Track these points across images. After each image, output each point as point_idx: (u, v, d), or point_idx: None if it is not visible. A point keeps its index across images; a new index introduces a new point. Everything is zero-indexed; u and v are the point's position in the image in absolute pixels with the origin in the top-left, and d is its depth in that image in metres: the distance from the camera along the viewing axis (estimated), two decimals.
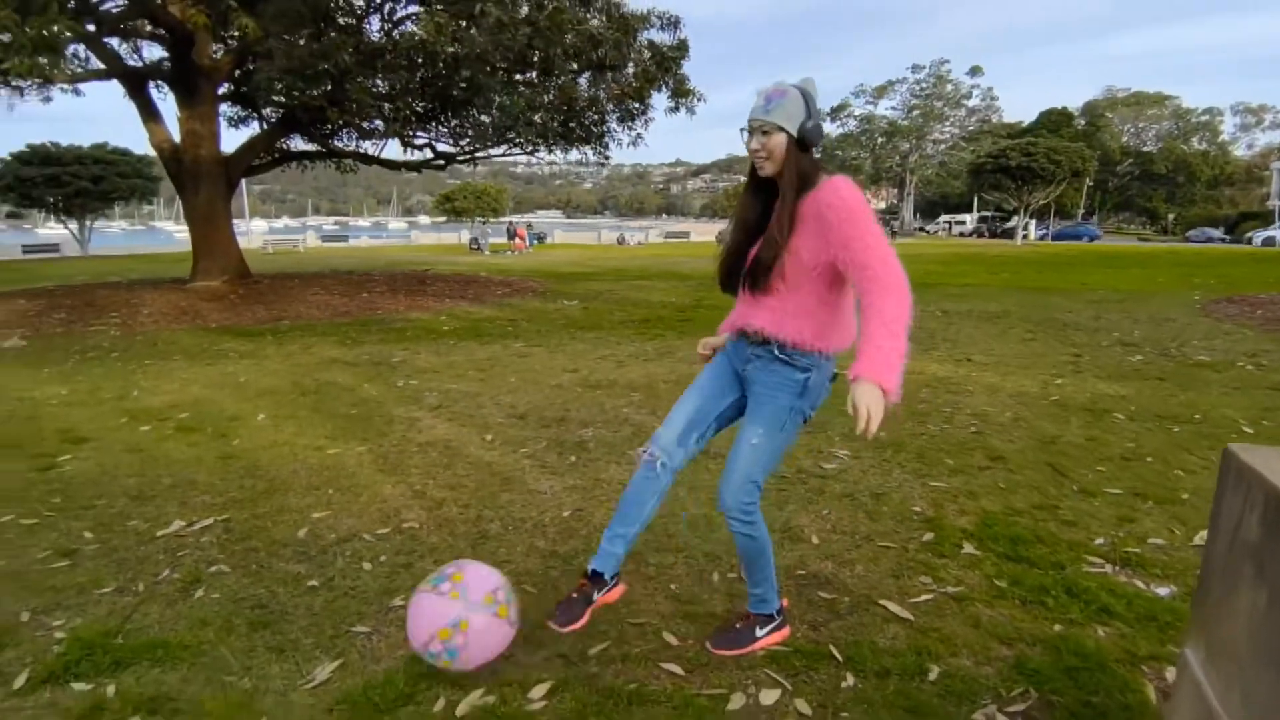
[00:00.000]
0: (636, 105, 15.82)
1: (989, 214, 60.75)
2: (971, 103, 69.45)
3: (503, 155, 17.45)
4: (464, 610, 2.22)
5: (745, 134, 2.22)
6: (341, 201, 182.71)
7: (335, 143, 16.86)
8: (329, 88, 12.78)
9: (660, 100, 15.76)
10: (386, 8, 14.32)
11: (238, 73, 15.02)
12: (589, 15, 14.43)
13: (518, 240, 36.59)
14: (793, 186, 2.18)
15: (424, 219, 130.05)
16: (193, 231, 14.53)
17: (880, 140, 71.30)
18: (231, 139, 15.85)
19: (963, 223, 64.43)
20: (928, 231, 72.60)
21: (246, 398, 6.17)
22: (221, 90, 14.87)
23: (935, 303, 12.14)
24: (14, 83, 14.98)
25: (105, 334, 9.84)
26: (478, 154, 17.02)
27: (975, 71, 68.12)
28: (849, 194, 2.11)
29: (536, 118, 14.71)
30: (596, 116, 16.03)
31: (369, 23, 14.35)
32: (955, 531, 3.43)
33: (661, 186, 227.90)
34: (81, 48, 13.91)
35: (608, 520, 3.51)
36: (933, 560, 3.16)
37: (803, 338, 2.23)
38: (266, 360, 7.83)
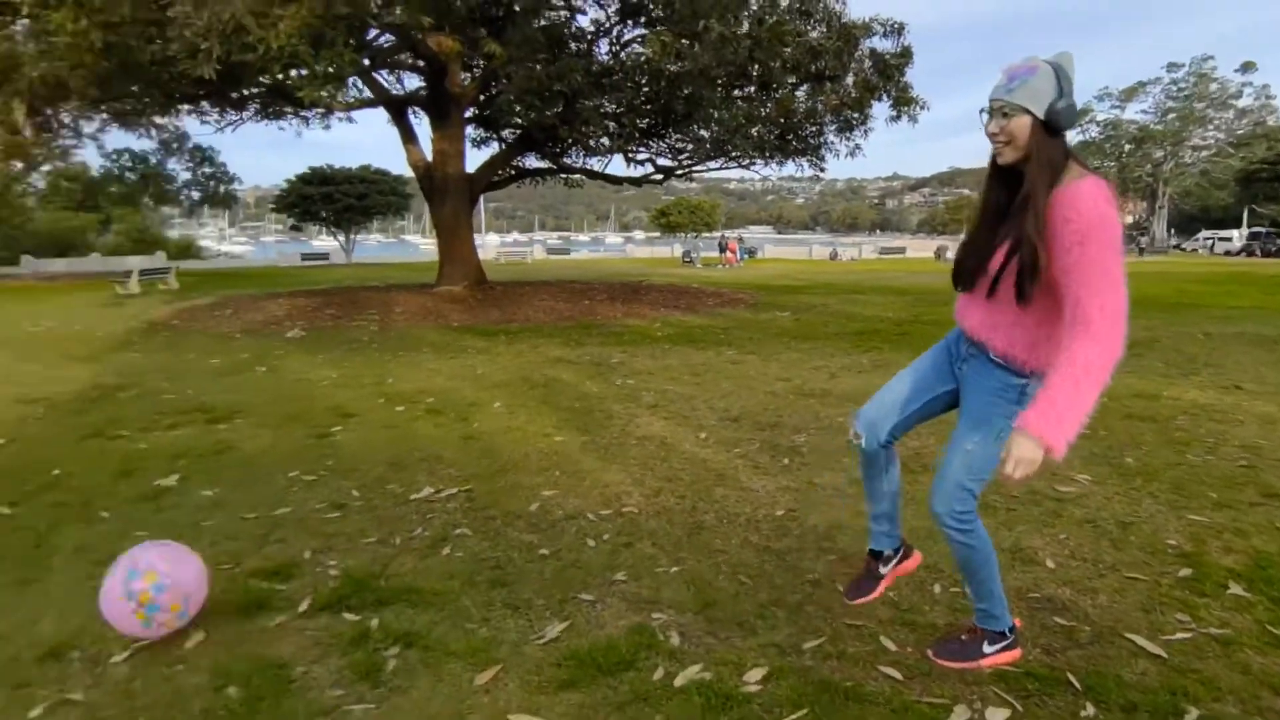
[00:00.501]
0: (855, 115, 15.46)
1: (1262, 229, 52.23)
2: (1242, 103, 60.14)
3: (719, 169, 17.74)
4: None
5: (984, 115, 2.02)
6: (564, 217, 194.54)
7: (565, 160, 18.00)
8: (560, 108, 13.70)
9: (881, 110, 15.33)
10: (615, 31, 15.13)
11: (482, 98, 16.53)
12: (809, 26, 14.35)
13: (729, 254, 36.90)
14: (1043, 180, 1.93)
15: (639, 234, 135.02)
16: (439, 241, 16.14)
17: (1128, 148, 64.02)
18: (474, 159, 17.47)
19: (1228, 239, 56.08)
20: (1183, 249, 64.16)
21: (484, 388, 6.75)
22: (467, 114, 16.42)
23: (1196, 324, 10.71)
24: (303, 113, 17.63)
25: (365, 329, 11.19)
26: (695, 168, 17.43)
27: (1247, 68, 58.89)
28: (1090, 209, 1.84)
29: (754, 131, 14.83)
30: (814, 128, 15.87)
31: (598, 46, 15.25)
32: (1219, 570, 3.03)
33: (876, 201, 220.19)
34: (357, 79, 15.97)
35: (820, 522, 3.50)
36: (1191, 598, 2.81)
37: (1013, 350, 2.05)
38: (500, 357, 8.52)
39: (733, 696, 2.21)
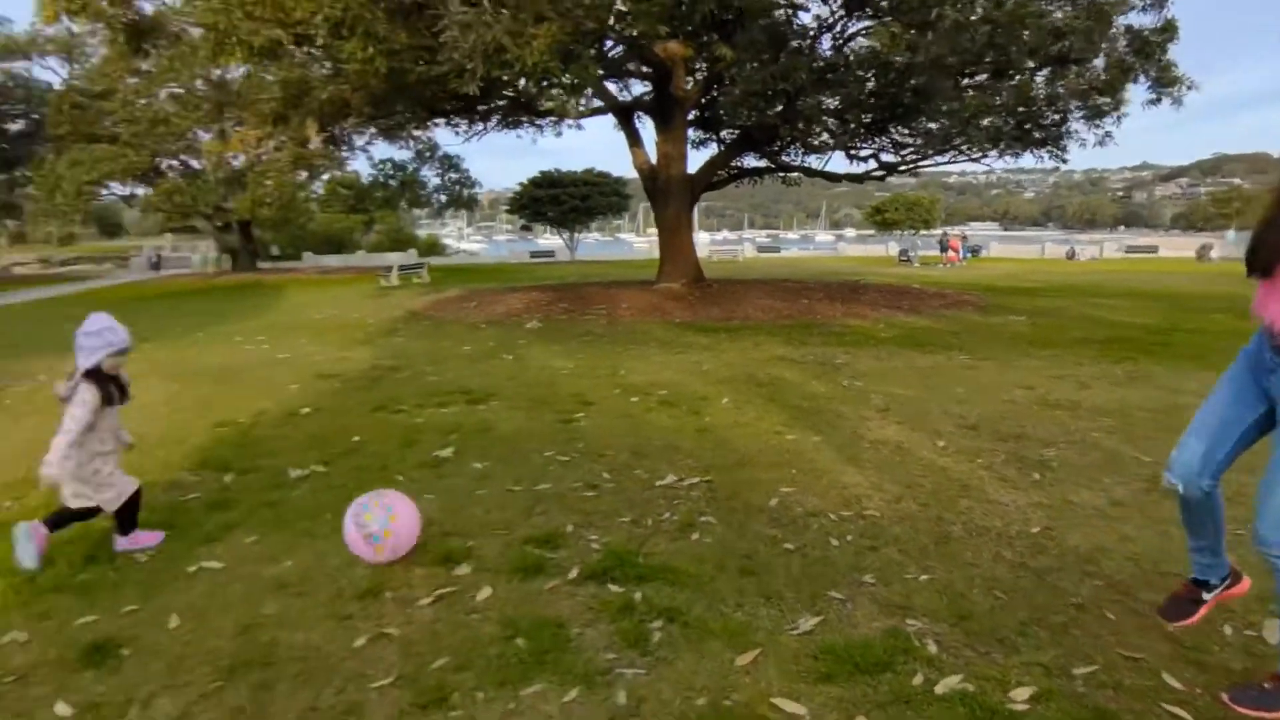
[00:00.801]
0: (1106, 101, 14.00)
1: None
2: None
3: (948, 163, 16.84)
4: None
5: None
6: (774, 216, 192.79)
7: (783, 158, 17.92)
8: (781, 107, 13.66)
9: (1138, 92, 13.77)
10: (839, 25, 14.82)
11: (704, 100, 16.88)
12: (1052, 7, 13.19)
13: (951, 253, 34.84)
14: None
15: (850, 231, 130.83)
16: (661, 239, 16.70)
17: None
18: (693, 160, 17.82)
19: None
20: None
21: (710, 383, 6.97)
22: (689, 116, 16.83)
23: None
24: (539, 121, 19.00)
25: (595, 323, 11.88)
26: (921, 163, 16.67)
27: None
28: None
29: (986, 121, 13.91)
30: (1057, 116, 14.59)
31: (820, 41, 15.01)
32: None
33: (1121, 194, 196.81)
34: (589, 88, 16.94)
35: (1081, 544, 3.31)
36: None
37: None
38: (724, 353, 8.73)
39: (999, 712, 2.18)
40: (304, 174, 30.83)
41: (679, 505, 3.80)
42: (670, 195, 15.85)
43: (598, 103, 17.18)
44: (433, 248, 50.68)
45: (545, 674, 2.41)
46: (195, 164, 29.01)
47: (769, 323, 11.52)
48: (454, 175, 32.68)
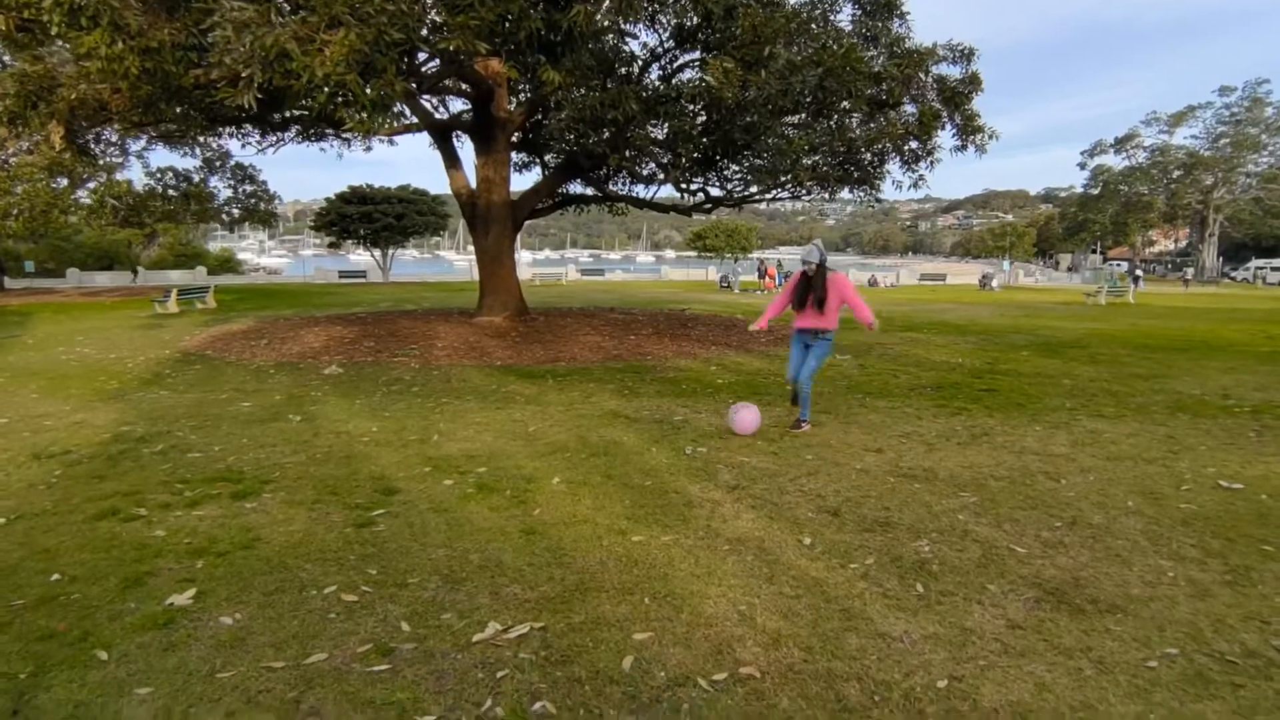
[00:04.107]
0: (919, 146, 14.68)
1: None
2: None
3: (771, 198, 17.02)
4: None
5: None
6: (596, 235, 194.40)
7: (610, 186, 17.39)
8: (610, 134, 13.09)
9: (945, 139, 14.53)
10: (668, 55, 14.51)
11: (528, 123, 16.00)
12: (873, 53, 13.66)
13: (768, 279, 36.16)
14: None
15: (670, 253, 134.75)
16: (481, 269, 15.55)
17: (1177, 174, 62.28)
18: (516, 182, 16.90)
19: None
20: (1233, 278, 62.16)
21: (539, 454, 6.05)
22: (512, 139, 15.89)
23: None
24: (344, 134, 17.27)
25: (406, 366, 10.59)
26: (748, 198, 16.72)
27: None
28: None
29: (807, 161, 14.10)
30: (874, 158, 15.12)
31: (649, 72, 14.63)
32: None
33: (909, 224, 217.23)
34: (403, 105, 15.53)
35: (998, 702, 2.71)
36: None
37: None
38: (550, 407, 7.84)
39: None
40: (63, 181, 26.63)
41: (504, 680, 2.85)
42: (491, 222, 14.81)
43: (411, 118, 15.84)
44: (226, 265, 46.11)
45: None
46: None
47: (598, 364, 10.78)
48: (249, 187, 29.50)
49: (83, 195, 28.38)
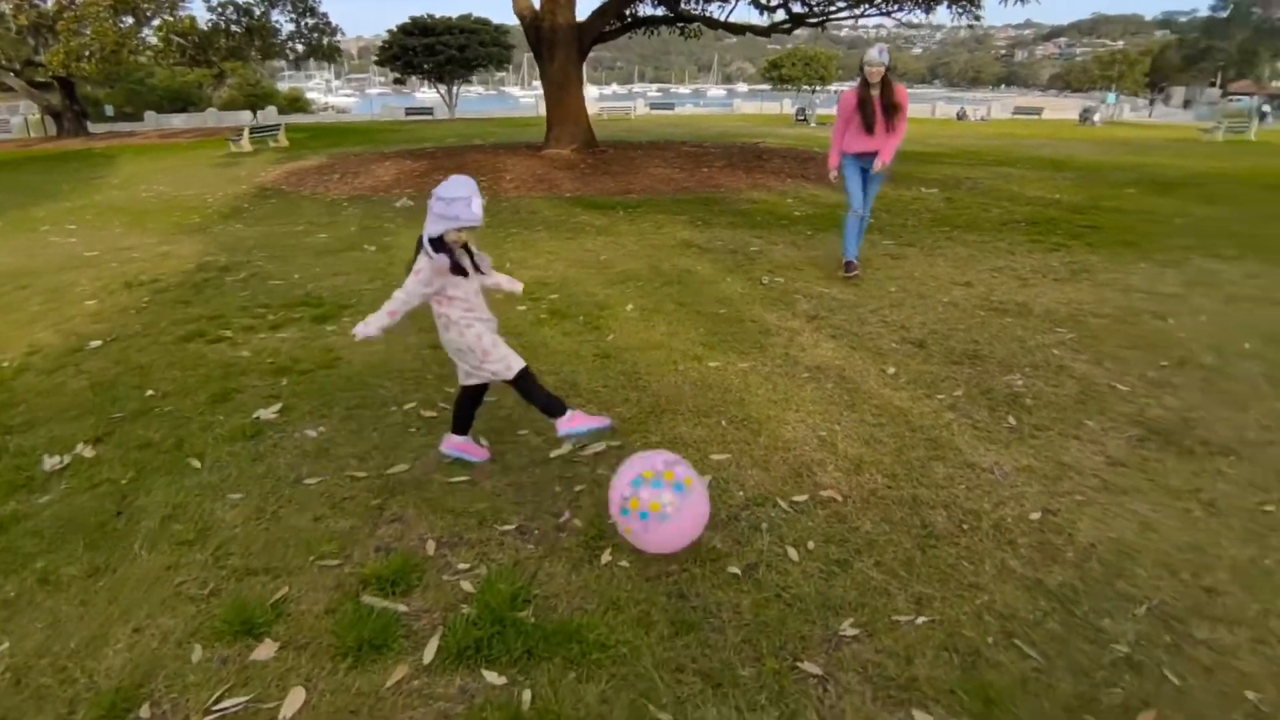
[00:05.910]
0: None
1: None
2: None
3: (860, 14, 15.56)
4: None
5: None
6: (664, 68, 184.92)
7: (684, 6, 16.15)
8: None
9: None
10: None
11: None
12: None
13: None
14: None
15: (742, 86, 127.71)
16: (548, 98, 14.93)
17: None
18: (582, 6, 15.83)
19: None
20: None
21: (611, 282, 5.93)
22: None
23: None
24: None
25: None
26: (833, 15, 15.33)
27: None
28: None
29: None
30: None
31: None
32: None
33: (1004, 52, 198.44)
34: None
35: (1097, 540, 2.56)
36: None
37: None
38: (622, 238, 7.63)
39: None
40: (129, 19, 26.22)
41: (582, 495, 2.85)
42: (556, 47, 14.03)
43: None
44: (295, 104, 45.78)
45: None
46: None
47: (669, 197, 10.40)
48: (310, 20, 28.58)
49: (149, 35, 28.02)
